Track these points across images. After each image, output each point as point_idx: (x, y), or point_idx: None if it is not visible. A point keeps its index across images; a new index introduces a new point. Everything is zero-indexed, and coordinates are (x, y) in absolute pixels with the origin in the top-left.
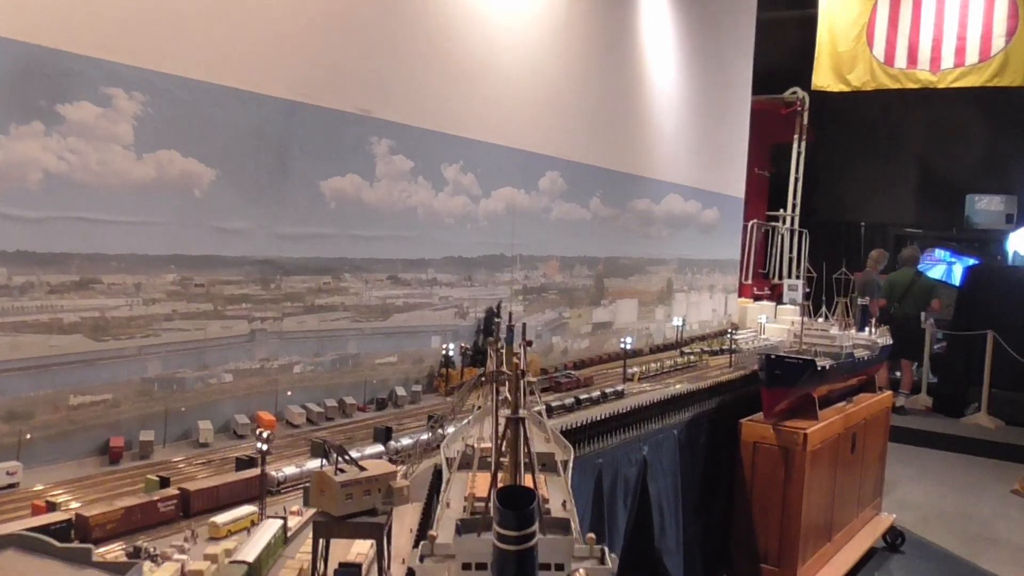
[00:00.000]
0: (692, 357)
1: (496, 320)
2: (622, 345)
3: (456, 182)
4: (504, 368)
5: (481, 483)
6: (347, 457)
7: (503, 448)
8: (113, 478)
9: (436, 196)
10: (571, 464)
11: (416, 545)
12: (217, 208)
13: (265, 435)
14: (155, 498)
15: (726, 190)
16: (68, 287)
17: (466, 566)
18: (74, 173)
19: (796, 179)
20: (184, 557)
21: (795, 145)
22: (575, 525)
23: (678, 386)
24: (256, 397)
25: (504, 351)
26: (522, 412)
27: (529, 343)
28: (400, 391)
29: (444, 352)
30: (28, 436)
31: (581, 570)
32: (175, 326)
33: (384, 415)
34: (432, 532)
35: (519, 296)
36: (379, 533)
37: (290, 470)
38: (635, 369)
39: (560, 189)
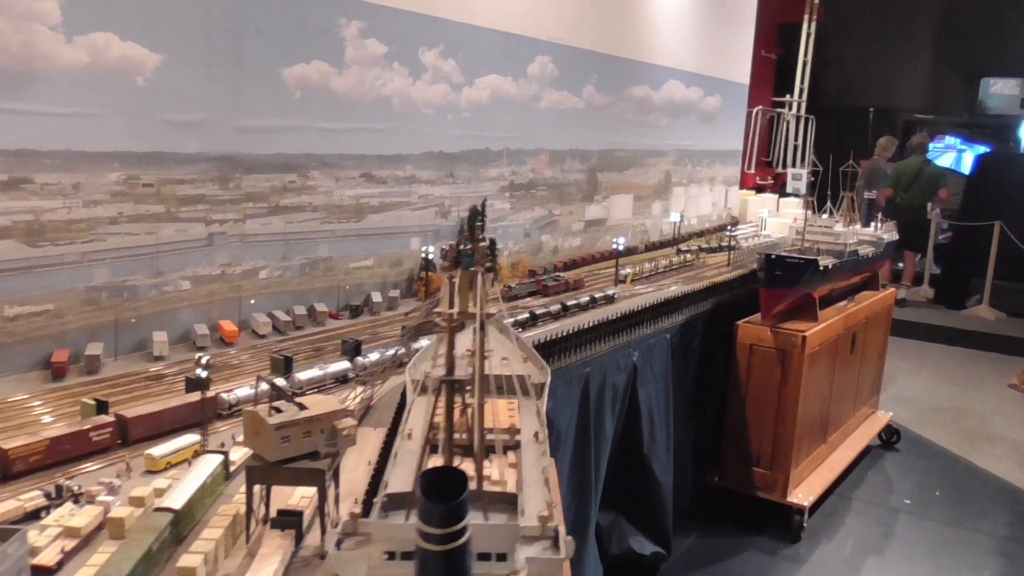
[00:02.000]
0: (689, 256)
1: (480, 220)
2: (614, 246)
3: (436, 68)
4: (455, 307)
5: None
6: (283, 392)
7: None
8: (54, 396)
9: (413, 84)
10: (548, 386)
11: (370, 486)
12: (165, 98)
13: (205, 360)
14: (86, 427)
15: (729, 75)
16: None
17: (390, 555)
18: None
19: (804, 62)
20: (110, 499)
21: (804, 25)
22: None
23: (673, 288)
24: (218, 305)
25: (466, 277)
26: (459, 374)
27: (489, 268)
28: (376, 297)
29: (423, 255)
30: None
31: (523, 574)
32: (122, 230)
33: (358, 323)
34: (354, 510)
35: (506, 193)
36: (320, 480)
37: (243, 392)
38: (628, 270)
39: (551, 76)
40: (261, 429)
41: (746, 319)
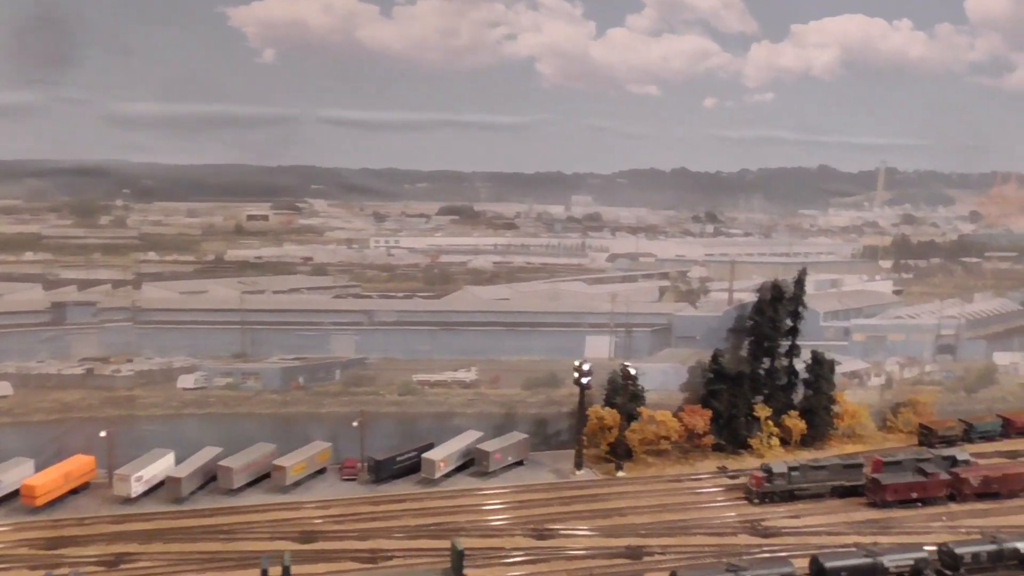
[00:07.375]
0: None
1: (796, 307)
2: None
3: (673, 3)
4: None
5: None
6: None
7: None
8: None
9: (599, 36)
10: None
11: None
12: None
13: None
14: None
15: None
16: None
17: None
18: None
19: None
20: None
21: None
22: None
23: None
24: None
25: None
26: None
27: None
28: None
29: (576, 373)
30: None
31: None
32: None
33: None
34: None
35: (879, 260)
36: None
37: None
38: None
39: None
40: None
41: None
